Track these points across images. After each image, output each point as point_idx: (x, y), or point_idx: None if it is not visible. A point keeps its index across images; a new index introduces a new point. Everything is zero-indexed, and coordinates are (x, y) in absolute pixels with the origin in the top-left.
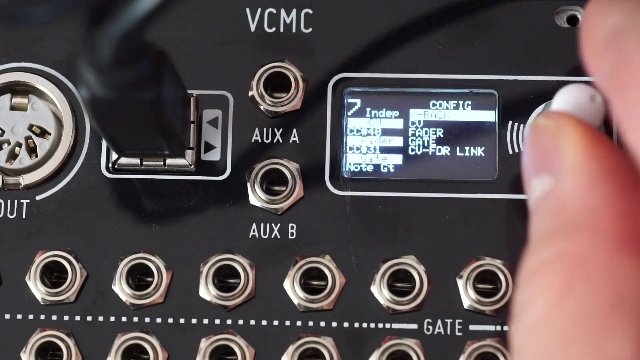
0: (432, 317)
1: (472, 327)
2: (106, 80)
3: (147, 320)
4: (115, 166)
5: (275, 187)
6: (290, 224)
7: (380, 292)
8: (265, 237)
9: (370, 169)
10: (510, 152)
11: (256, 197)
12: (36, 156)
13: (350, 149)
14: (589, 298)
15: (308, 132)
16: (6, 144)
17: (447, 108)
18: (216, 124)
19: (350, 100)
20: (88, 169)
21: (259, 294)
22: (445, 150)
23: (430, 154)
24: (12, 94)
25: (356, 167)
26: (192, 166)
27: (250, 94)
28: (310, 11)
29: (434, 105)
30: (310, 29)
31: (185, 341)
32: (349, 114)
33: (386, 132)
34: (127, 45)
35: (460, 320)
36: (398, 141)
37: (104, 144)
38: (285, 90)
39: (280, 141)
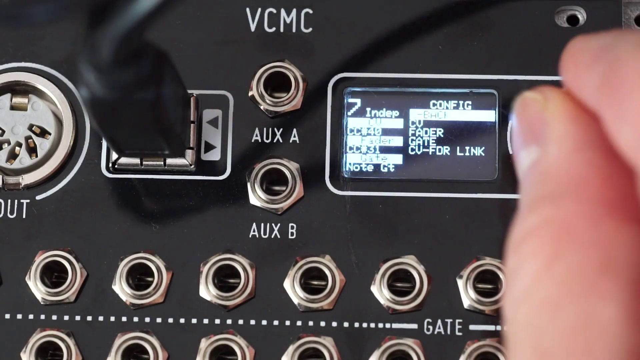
0: (432, 317)
1: (472, 327)
2: (106, 80)
3: (147, 320)
4: (115, 166)
5: (275, 187)
6: (290, 224)
7: (380, 292)
8: (266, 237)
9: (370, 168)
10: (511, 152)
11: (256, 197)
12: (36, 156)
13: (350, 148)
14: (576, 263)
15: (308, 132)
16: (6, 144)
17: (447, 108)
18: (216, 123)
19: (350, 100)
20: (88, 169)
21: (259, 293)
22: (445, 150)
23: (430, 153)
24: (12, 93)
25: (356, 167)
26: (192, 166)
27: (250, 93)
28: (310, 11)
29: (434, 105)
30: (310, 29)
31: (186, 341)
32: (349, 113)
33: (386, 132)
34: (127, 45)
35: (461, 320)
36: (398, 141)
37: (104, 143)
38: (285, 90)
39: (281, 141)
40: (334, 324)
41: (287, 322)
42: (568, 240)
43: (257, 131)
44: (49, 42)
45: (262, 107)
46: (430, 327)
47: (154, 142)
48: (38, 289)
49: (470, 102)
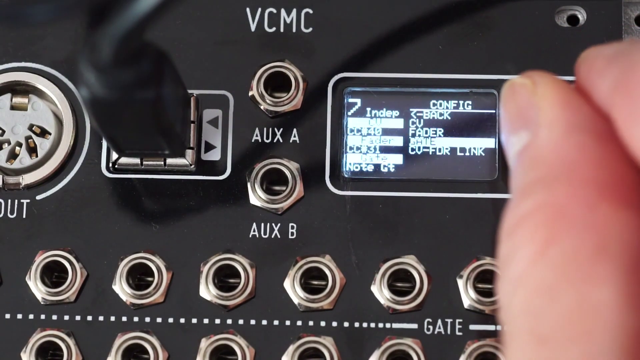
0: (432, 317)
1: (472, 327)
2: (106, 80)
3: (147, 320)
4: (116, 166)
5: (275, 187)
6: (290, 224)
7: (381, 292)
8: (266, 236)
9: (370, 168)
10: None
11: (256, 197)
12: (36, 156)
13: (351, 148)
14: (571, 248)
15: (308, 132)
16: (6, 144)
17: (447, 108)
18: (216, 123)
19: (351, 100)
20: (88, 169)
21: (259, 293)
22: (445, 150)
23: (430, 153)
24: (13, 93)
25: (356, 167)
26: (193, 166)
27: (250, 93)
28: (311, 11)
29: (434, 104)
30: (310, 29)
31: (186, 341)
32: (349, 113)
33: (386, 131)
34: (127, 45)
35: (461, 320)
36: (398, 141)
37: (104, 143)
38: (285, 90)
39: (281, 141)
40: (334, 323)
41: (287, 322)
42: (562, 225)
43: (257, 131)
44: (49, 42)
45: (262, 107)
46: (431, 327)
47: (154, 142)
48: (38, 289)
49: (470, 102)
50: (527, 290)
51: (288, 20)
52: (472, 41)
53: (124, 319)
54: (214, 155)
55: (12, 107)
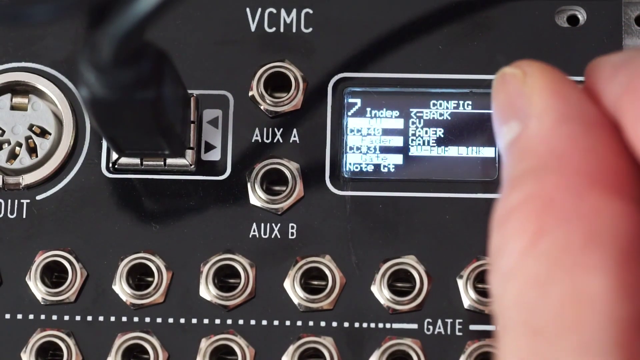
0: (432, 317)
1: (472, 327)
2: (106, 80)
3: (147, 320)
4: (116, 166)
5: (275, 187)
6: (290, 224)
7: (381, 292)
8: (266, 237)
9: (370, 168)
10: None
11: (256, 197)
12: (36, 156)
13: (351, 148)
14: (561, 238)
15: (308, 132)
16: (6, 144)
17: (447, 108)
18: (216, 123)
19: (351, 100)
20: (88, 169)
21: (259, 293)
22: (445, 150)
23: (430, 154)
24: (13, 93)
25: (356, 167)
26: (193, 166)
27: (250, 93)
28: (311, 11)
29: (434, 105)
30: (310, 29)
31: (186, 341)
32: (349, 113)
33: (386, 132)
34: (127, 45)
35: (461, 320)
36: (398, 141)
37: (104, 143)
38: (285, 90)
39: (281, 141)
40: (334, 324)
41: (287, 322)
42: (552, 215)
43: (257, 131)
44: (49, 42)
45: (262, 107)
46: (431, 327)
47: (154, 142)
48: (38, 289)
49: (470, 102)
50: (519, 283)
51: (288, 20)
52: (472, 41)
53: (124, 319)
54: (214, 156)
55: (12, 107)
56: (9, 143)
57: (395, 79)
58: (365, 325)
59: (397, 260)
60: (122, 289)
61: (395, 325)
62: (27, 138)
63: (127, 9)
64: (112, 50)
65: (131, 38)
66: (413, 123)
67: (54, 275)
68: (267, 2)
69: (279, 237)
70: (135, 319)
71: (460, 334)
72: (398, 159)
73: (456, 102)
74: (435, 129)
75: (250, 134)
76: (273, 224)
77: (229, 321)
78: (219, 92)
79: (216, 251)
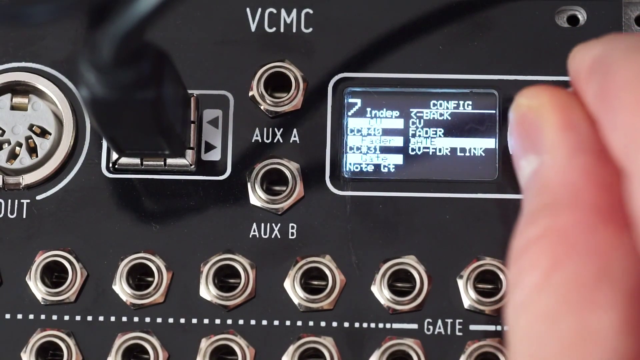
0: (432, 317)
1: (472, 327)
2: (106, 80)
3: (147, 320)
4: (116, 166)
5: (275, 187)
6: (290, 224)
7: (381, 292)
8: (266, 237)
9: (370, 168)
10: (511, 152)
11: (256, 197)
12: (36, 156)
13: (351, 148)
14: (573, 274)
15: (308, 132)
16: (6, 144)
17: (447, 108)
18: (216, 123)
19: (351, 100)
20: (88, 169)
21: (259, 293)
22: (445, 150)
23: (430, 153)
24: (13, 93)
25: (356, 167)
26: (193, 166)
27: (250, 93)
28: (311, 11)
29: (435, 105)
30: (310, 29)
31: (186, 341)
32: (349, 113)
33: (386, 132)
34: (127, 45)
35: (461, 320)
36: (398, 141)
37: (104, 143)
38: (285, 90)
39: (281, 141)
40: (334, 324)
41: (288, 322)
42: (565, 251)
43: (257, 131)
44: (49, 42)
45: (262, 107)
46: (431, 327)
47: (154, 142)
48: (38, 289)
49: (470, 102)
50: (530, 316)
51: (288, 21)
52: (472, 41)
53: (124, 319)
54: (214, 156)
55: (12, 107)
56: (9, 143)
57: (395, 79)
58: (365, 325)
59: (397, 260)
60: (122, 289)
61: (396, 325)
62: (27, 138)
63: (127, 9)
64: (112, 50)
65: (131, 38)
66: (413, 123)
67: (54, 275)
68: (267, 2)
69: (279, 237)
70: (135, 319)
71: (460, 334)
72: (398, 159)
73: (456, 102)
74: (435, 129)
75: (251, 134)
76: (273, 224)
77: (229, 321)
78: (219, 92)
79: (216, 251)
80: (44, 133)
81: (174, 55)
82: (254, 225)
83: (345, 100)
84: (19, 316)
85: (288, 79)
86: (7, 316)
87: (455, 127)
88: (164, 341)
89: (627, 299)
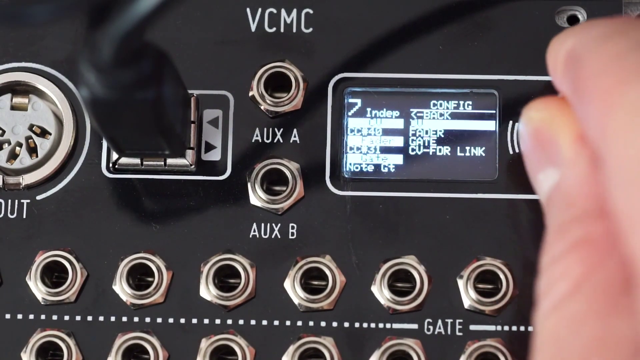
0: (432, 317)
1: (472, 327)
2: (107, 80)
3: (147, 320)
4: (116, 166)
5: (275, 187)
6: (290, 224)
7: (381, 292)
8: (266, 237)
9: (370, 169)
10: (511, 152)
11: (257, 197)
12: (37, 156)
13: (351, 148)
14: (603, 281)
15: (308, 132)
16: (7, 144)
17: (447, 108)
18: (217, 123)
19: (351, 100)
20: (88, 169)
21: (259, 294)
22: (445, 150)
23: (430, 154)
24: (13, 93)
25: (356, 167)
26: (193, 166)
27: (250, 93)
28: (311, 11)
29: (435, 105)
30: (310, 29)
31: (186, 341)
32: (350, 113)
33: (387, 132)
34: (127, 45)
35: (461, 320)
36: (398, 141)
37: (105, 143)
38: (285, 90)
39: (281, 141)
40: (335, 324)
41: (288, 322)
42: (597, 260)
43: (257, 131)
44: (49, 42)
45: (262, 107)
46: (431, 327)
47: (155, 142)
48: (38, 289)
49: (470, 102)
50: (557, 320)
51: (288, 21)
52: (472, 41)
53: (124, 319)
54: (214, 156)
55: (13, 107)
56: (9, 143)
57: (395, 79)
58: (365, 325)
59: (397, 261)
60: (122, 289)
61: (396, 326)
62: (28, 138)
63: (127, 9)
64: (112, 50)
65: (131, 38)
66: (413, 123)
67: (54, 275)
68: (267, 2)
69: (279, 237)
70: (136, 319)
71: (461, 334)
72: (398, 159)
73: (456, 102)
74: (435, 129)
75: (251, 134)
76: (273, 224)
77: (229, 321)
78: (219, 92)
79: (216, 251)
80: (44, 133)
81: (174, 55)
82: (254, 225)
83: (346, 100)
84: (19, 316)
85: (288, 79)
86: (7, 316)
87: (456, 127)
88: (164, 341)
89: None
